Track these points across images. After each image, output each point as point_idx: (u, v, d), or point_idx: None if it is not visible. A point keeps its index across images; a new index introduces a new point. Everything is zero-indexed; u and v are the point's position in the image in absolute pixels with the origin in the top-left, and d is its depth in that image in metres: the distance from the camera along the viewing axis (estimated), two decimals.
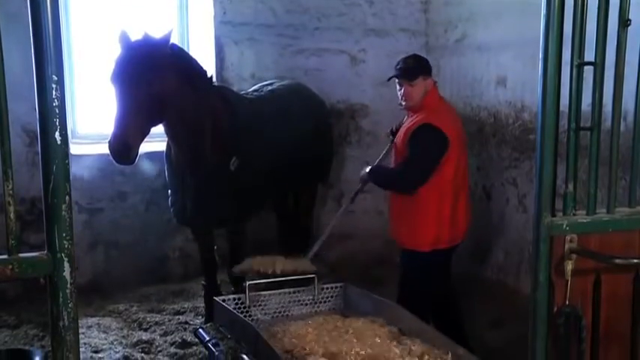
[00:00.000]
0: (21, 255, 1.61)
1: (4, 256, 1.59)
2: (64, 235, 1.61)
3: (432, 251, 3.62)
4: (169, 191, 4.20)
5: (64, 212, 1.60)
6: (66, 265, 1.62)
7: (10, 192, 1.58)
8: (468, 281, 4.87)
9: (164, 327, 4.45)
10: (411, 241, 3.66)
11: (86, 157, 4.98)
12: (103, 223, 5.18)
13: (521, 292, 4.34)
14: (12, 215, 1.58)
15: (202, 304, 4.53)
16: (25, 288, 4.69)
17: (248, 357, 2.19)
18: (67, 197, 1.60)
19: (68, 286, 1.64)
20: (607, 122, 2.20)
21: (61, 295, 1.63)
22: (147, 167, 4.92)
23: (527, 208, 4.52)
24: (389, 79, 3.80)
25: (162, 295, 5.06)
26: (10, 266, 1.59)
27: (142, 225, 5.25)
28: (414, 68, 3.65)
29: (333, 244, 5.38)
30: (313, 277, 2.56)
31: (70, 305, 1.64)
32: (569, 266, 2.07)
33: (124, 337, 4.25)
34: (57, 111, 1.57)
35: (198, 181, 3.92)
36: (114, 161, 3.53)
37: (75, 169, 4.65)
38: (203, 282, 4.38)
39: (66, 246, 1.62)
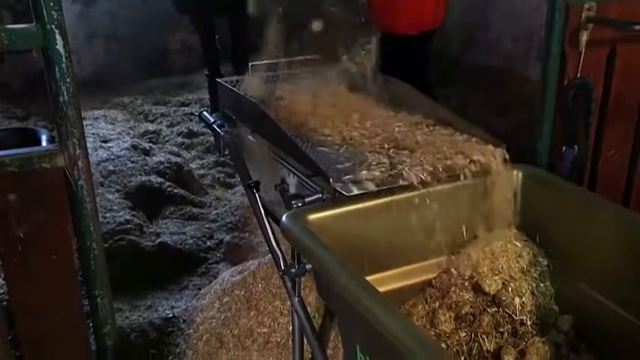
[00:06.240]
0: (8, 26, 1.53)
1: None
2: (51, 4, 1.52)
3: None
4: None
5: None
6: (58, 37, 1.54)
7: None
8: (476, 69, 4.80)
9: (170, 118, 4.48)
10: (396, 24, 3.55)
11: None
12: (98, 15, 5.02)
13: (529, 79, 4.29)
14: None
15: (207, 96, 4.52)
16: (27, 83, 4.65)
17: (253, 136, 2.17)
18: None
19: (63, 59, 1.57)
20: None
21: (57, 69, 1.57)
22: None
23: None
24: None
25: (166, 87, 5.05)
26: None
27: (141, 16, 5.09)
28: None
29: None
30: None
31: (67, 80, 1.58)
32: (584, 37, 1.98)
33: (130, 128, 4.29)
34: None
35: None
36: None
37: None
38: (206, 72, 4.32)
39: (55, 17, 1.53)
